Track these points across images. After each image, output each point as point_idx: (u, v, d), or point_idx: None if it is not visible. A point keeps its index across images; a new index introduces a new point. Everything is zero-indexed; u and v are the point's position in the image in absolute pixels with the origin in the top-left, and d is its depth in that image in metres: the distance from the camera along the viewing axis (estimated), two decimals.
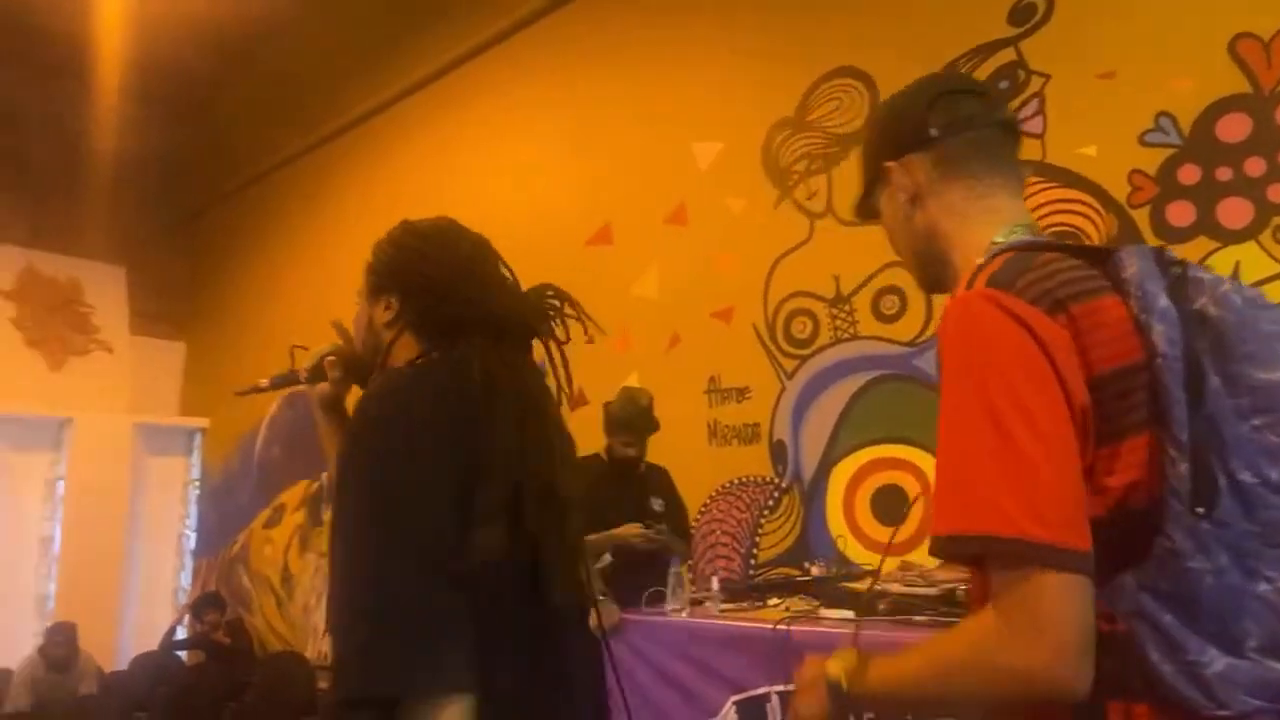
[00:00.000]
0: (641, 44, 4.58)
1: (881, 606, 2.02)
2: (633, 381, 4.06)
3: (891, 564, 3.04)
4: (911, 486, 3.34)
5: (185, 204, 8.23)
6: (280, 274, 7.07)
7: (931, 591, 2.06)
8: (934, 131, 1.01)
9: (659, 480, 3.34)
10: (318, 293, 6.58)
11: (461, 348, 1.21)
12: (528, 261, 5.03)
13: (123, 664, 6.42)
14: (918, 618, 1.92)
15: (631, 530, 2.99)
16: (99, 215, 7.65)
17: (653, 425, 3.29)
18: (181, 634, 6.40)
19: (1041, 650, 0.76)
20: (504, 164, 5.26)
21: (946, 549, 0.83)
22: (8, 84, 7.23)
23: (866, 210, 1.11)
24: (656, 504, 3.20)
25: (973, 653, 0.82)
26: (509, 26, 5.20)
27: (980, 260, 0.92)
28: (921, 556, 3.17)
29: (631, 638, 2.38)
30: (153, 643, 6.50)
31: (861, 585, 2.16)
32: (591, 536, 2.91)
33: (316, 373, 1.43)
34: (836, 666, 0.91)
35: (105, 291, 7.67)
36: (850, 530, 3.51)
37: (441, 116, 5.71)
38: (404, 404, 1.14)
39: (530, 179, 5.06)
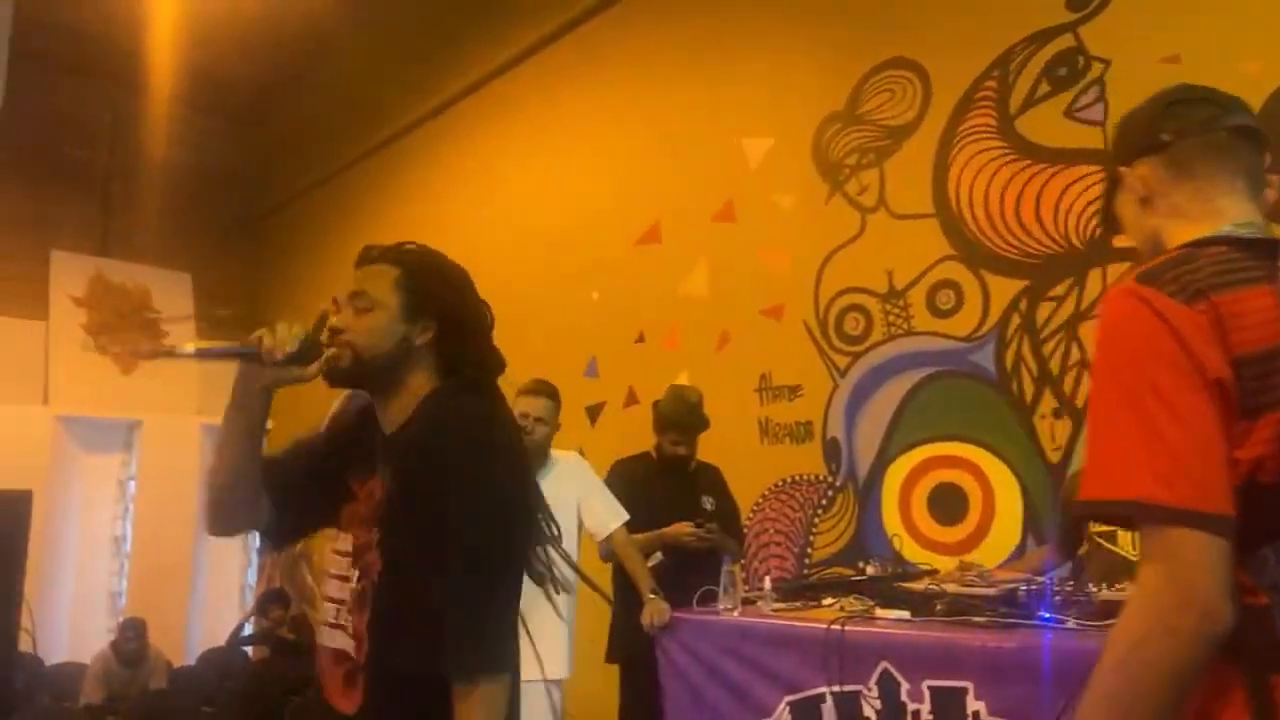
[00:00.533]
0: (690, 42, 4.56)
1: (939, 607, 1.98)
2: (683, 380, 4.05)
3: (945, 564, 2.99)
4: (970, 485, 3.27)
5: (247, 211, 8.46)
6: (338, 277, 7.17)
7: (990, 592, 2.01)
8: (1165, 136, 1.06)
9: (710, 478, 3.32)
10: None
11: (489, 385, 1.44)
12: (577, 262, 5.10)
13: (191, 659, 6.60)
14: (975, 619, 1.88)
15: (683, 529, 2.98)
16: (165, 224, 7.91)
17: (702, 423, 3.27)
18: (249, 630, 6.56)
19: (1177, 598, 0.85)
20: (554, 165, 5.29)
21: (1092, 512, 0.96)
22: (78, 98, 7.52)
23: (1111, 221, 1.17)
24: (708, 502, 3.18)
25: (1126, 633, 0.88)
26: (557, 29, 5.23)
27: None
28: (980, 556, 3.11)
29: (683, 636, 2.37)
30: (220, 639, 6.68)
31: (918, 585, 2.12)
32: (640, 536, 2.90)
33: (310, 352, 1.41)
34: None
35: (172, 297, 7.89)
36: (906, 529, 3.45)
37: (492, 120, 5.77)
38: (510, 434, 1.42)
39: (579, 180, 5.08)
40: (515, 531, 1.35)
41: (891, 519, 3.50)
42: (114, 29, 6.63)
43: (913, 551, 3.37)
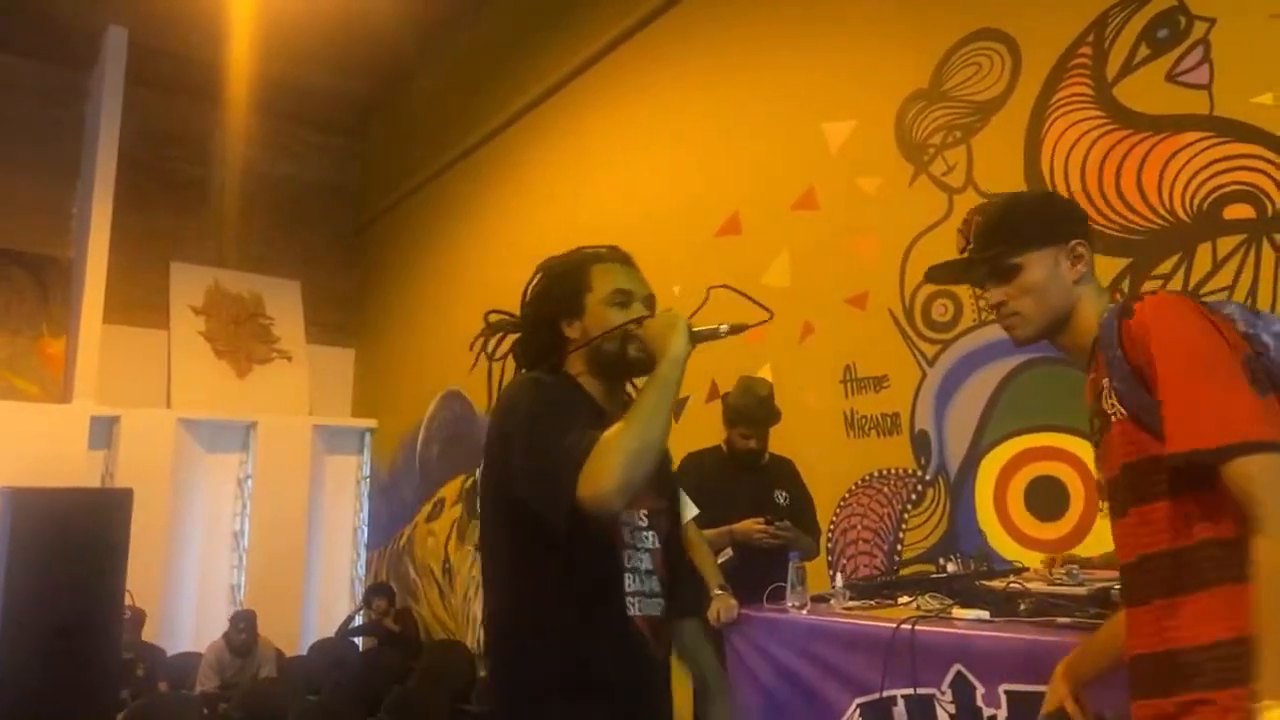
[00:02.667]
0: (763, 30, 4.46)
1: (1022, 607, 1.85)
2: (765, 373, 3.96)
3: (1035, 560, 2.81)
4: (1071, 478, 3.08)
5: (350, 221, 8.80)
6: (437, 281, 7.40)
7: (1080, 591, 1.87)
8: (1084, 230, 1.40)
9: (784, 472, 3.23)
10: (475, 297, 6.85)
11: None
12: (659, 256, 5.07)
13: (304, 649, 6.90)
14: (1060, 619, 1.75)
15: (753, 526, 2.90)
16: (275, 234, 8.30)
17: (773, 416, 3.18)
18: (359, 622, 6.82)
19: None
20: (631, 162, 5.27)
21: (1198, 459, 1.14)
22: (190, 119, 7.96)
23: (1001, 267, 1.38)
24: (781, 497, 3.09)
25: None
26: (635, 23, 5.22)
27: (1099, 320, 1.33)
28: (1084, 554, 2.92)
29: (753, 634, 2.30)
30: (332, 629, 6.97)
31: (1000, 583, 2.00)
32: (710, 531, 2.85)
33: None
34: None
35: (284, 304, 8.28)
36: (1002, 524, 3.28)
37: (571, 120, 5.82)
38: (545, 392, 1.61)
39: (657, 175, 5.05)
40: None
41: (986, 515, 3.33)
42: (222, 53, 6.99)
43: (1010, 550, 3.19)
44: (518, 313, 1.71)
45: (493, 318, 1.72)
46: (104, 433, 6.89)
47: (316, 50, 7.08)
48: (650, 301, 1.62)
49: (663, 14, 5.04)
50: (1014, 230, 1.38)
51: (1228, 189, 2.70)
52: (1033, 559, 3.03)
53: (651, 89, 5.17)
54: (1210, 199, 2.74)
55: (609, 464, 1.32)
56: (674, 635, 1.69)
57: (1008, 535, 3.25)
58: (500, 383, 1.70)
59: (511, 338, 1.71)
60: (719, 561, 2.76)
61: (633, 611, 1.49)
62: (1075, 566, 2.07)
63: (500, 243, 6.52)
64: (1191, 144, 2.79)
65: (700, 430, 4.05)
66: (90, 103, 7.32)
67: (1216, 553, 1.14)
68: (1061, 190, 3.16)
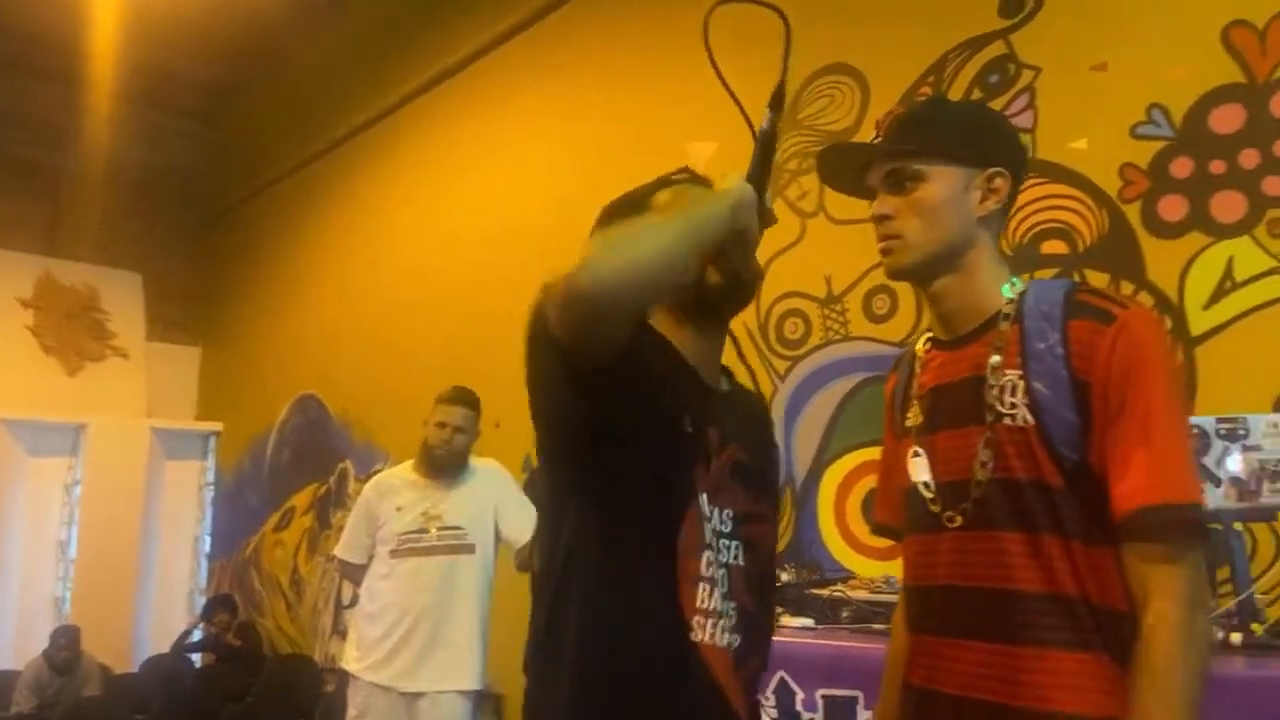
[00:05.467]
0: (636, 44, 4.55)
1: (845, 614, 1.96)
2: None
3: (878, 570, 2.98)
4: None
5: (200, 211, 8.35)
6: (292, 279, 7.13)
7: (896, 599, 1.99)
8: (1022, 175, 1.19)
9: None
10: (329, 298, 6.63)
11: None
12: (527, 266, 5.06)
13: (137, 666, 6.48)
14: (878, 625, 1.86)
15: None
16: (116, 223, 7.79)
17: None
18: (197, 637, 6.46)
19: (1205, 593, 1.07)
20: (504, 168, 5.25)
21: (1185, 515, 1.01)
22: (27, 96, 7.38)
23: (900, 170, 1.16)
24: None
25: (1187, 630, 1.00)
26: (508, 30, 5.21)
27: (1017, 286, 1.14)
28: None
29: None
30: (168, 645, 6.57)
31: (826, 591, 2.11)
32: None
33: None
34: None
35: (122, 298, 7.77)
36: (841, 534, 3.45)
37: (445, 121, 5.73)
38: None
39: (530, 183, 5.05)
40: None
41: (827, 524, 3.49)
42: (66, 29, 6.52)
43: (847, 557, 3.36)
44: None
45: None
46: None
47: (173, 31, 6.70)
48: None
49: (539, 21, 5.04)
50: (931, 133, 1.16)
51: (1046, 226, 2.94)
52: (868, 566, 3.20)
53: (524, 96, 5.17)
54: (1030, 234, 2.97)
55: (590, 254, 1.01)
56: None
57: (846, 544, 3.41)
58: None
59: None
60: None
61: (700, 637, 1.09)
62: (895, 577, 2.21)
63: (362, 244, 6.36)
64: None
65: None
66: None
67: (1086, 613, 1.03)
68: None
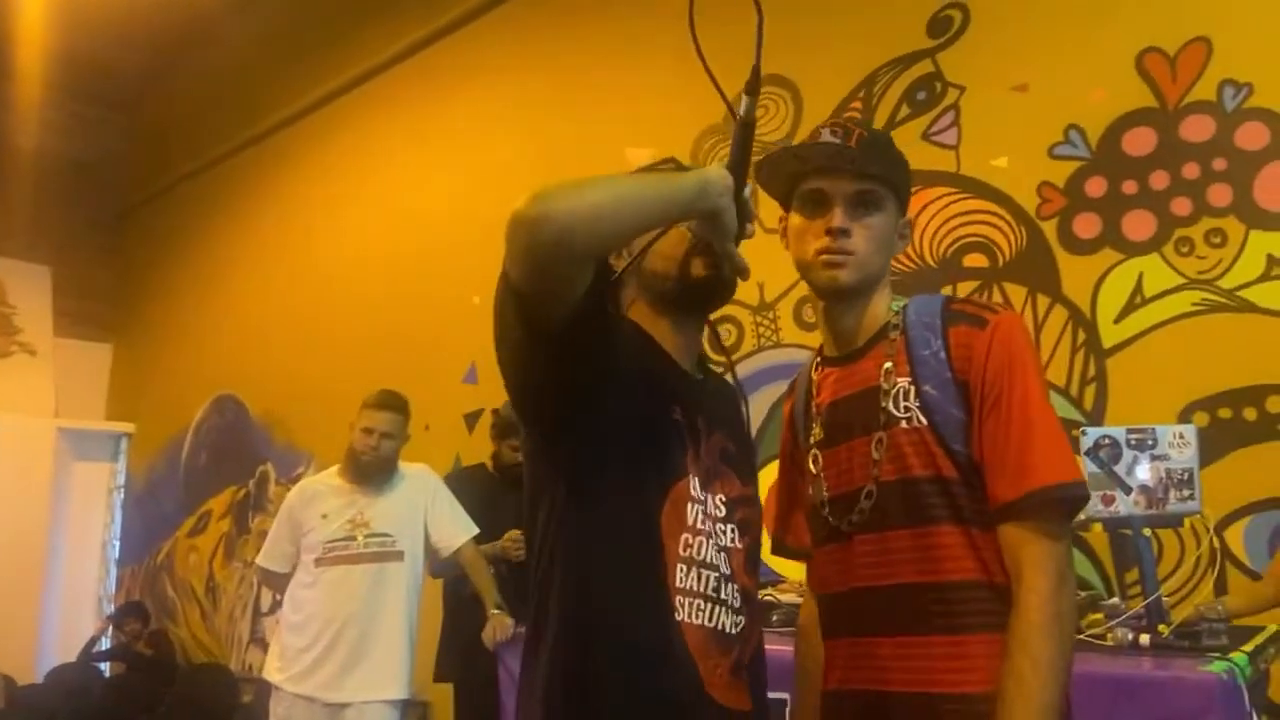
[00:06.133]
0: (574, 49, 4.54)
1: (774, 618, 1.99)
2: None
3: (801, 573, 3.02)
4: None
5: (113, 203, 8.02)
6: (209, 276, 6.90)
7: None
8: None
9: None
10: (250, 295, 6.44)
11: None
12: (460, 265, 4.99)
13: (41, 677, 6.19)
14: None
15: (512, 536, 2.92)
16: (23, 214, 7.41)
17: None
18: (106, 645, 6.20)
19: (1070, 569, 1.10)
20: (435, 168, 5.18)
21: (1066, 493, 1.08)
22: None
23: (871, 193, 1.21)
24: None
25: (1053, 604, 1.05)
26: (444, 26, 5.14)
27: (899, 303, 1.24)
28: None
29: (512, 654, 2.31)
30: (74, 654, 6.28)
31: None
32: (484, 547, 2.84)
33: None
34: None
35: (29, 292, 7.42)
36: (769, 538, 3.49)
37: (374, 115, 5.62)
38: None
39: (460, 183, 4.99)
40: None
41: None
42: None
43: (774, 560, 3.40)
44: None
45: None
46: None
47: (85, 14, 6.41)
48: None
49: (477, 18, 4.99)
50: (893, 168, 1.23)
51: (967, 240, 3.04)
52: (796, 570, 3.25)
53: (457, 94, 5.11)
54: (953, 248, 3.07)
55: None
56: None
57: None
58: None
59: None
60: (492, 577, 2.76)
61: (682, 615, 1.09)
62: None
63: (285, 240, 6.19)
64: (940, 198, 3.11)
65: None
66: None
67: (990, 594, 1.09)
68: None
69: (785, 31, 3.68)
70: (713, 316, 1.32)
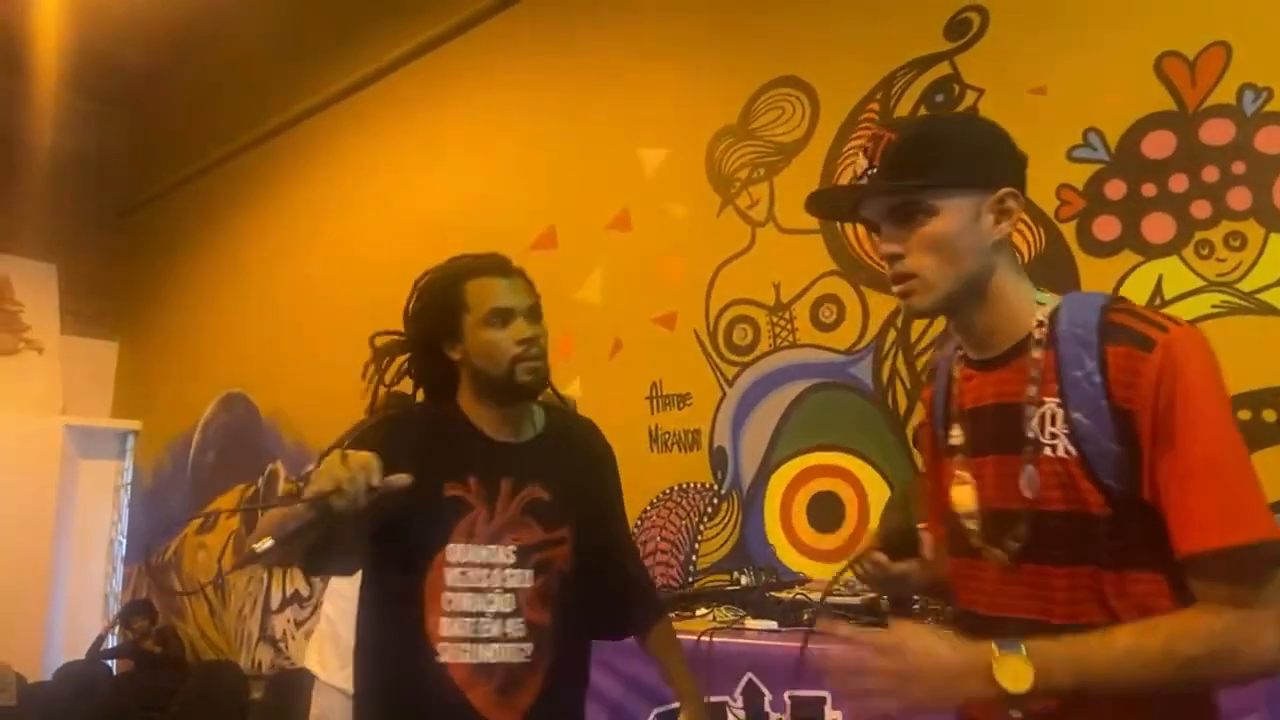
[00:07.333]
0: (588, 50, 4.56)
1: (805, 616, 2.01)
2: (575, 388, 4.04)
3: (827, 571, 3.06)
4: (846, 493, 3.36)
5: (120, 201, 8.02)
6: (217, 274, 6.91)
7: (854, 601, 2.06)
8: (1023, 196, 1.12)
9: None
10: (259, 293, 6.45)
11: None
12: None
13: (49, 674, 6.20)
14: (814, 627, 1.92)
15: None
16: (30, 211, 7.41)
17: None
18: (113, 642, 6.21)
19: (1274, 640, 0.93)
20: (447, 165, 5.20)
21: (1256, 556, 0.93)
22: None
23: (910, 206, 1.08)
24: None
25: (1217, 646, 0.92)
26: (454, 27, 5.15)
27: (1046, 304, 1.09)
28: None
29: None
30: (82, 652, 6.30)
31: (787, 594, 2.16)
32: None
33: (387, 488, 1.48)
34: (1012, 678, 0.91)
35: (36, 289, 7.43)
36: (787, 537, 3.52)
37: (385, 116, 5.63)
38: None
39: (471, 182, 5.01)
40: None
41: (773, 527, 3.56)
42: None
43: (792, 559, 3.43)
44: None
45: (379, 340, 1.63)
46: None
47: (94, 9, 6.41)
48: (534, 311, 1.54)
49: (487, 19, 5.00)
50: (935, 161, 1.07)
51: None
52: (814, 568, 3.28)
53: (471, 93, 5.13)
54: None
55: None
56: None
57: (791, 546, 3.49)
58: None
59: (401, 359, 1.62)
60: None
61: (445, 658, 1.39)
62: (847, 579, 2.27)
63: (293, 239, 6.20)
64: None
65: None
66: None
67: None
68: (848, 233, 3.45)
69: (801, 32, 3.71)
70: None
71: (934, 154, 1.07)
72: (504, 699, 1.40)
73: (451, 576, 1.42)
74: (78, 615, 7.08)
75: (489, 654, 1.40)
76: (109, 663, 6.28)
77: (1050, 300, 1.09)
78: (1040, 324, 1.06)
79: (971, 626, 1.10)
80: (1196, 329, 1.00)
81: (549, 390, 1.58)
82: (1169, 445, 0.95)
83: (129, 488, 7.55)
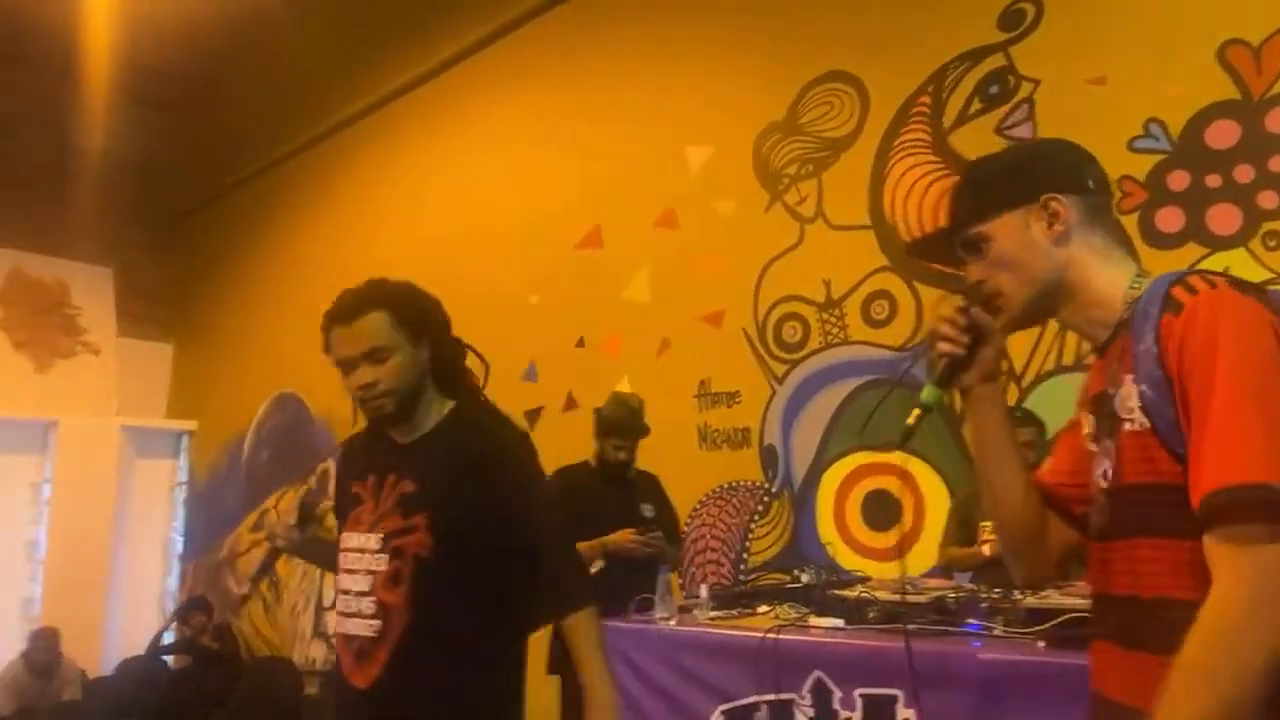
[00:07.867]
0: (633, 48, 4.57)
1: (871, 614, 2.01)
2: (624, 386, 4.04)
3: (882, 570, 3.03)
4: (901, 492, 3.33)
5: (174, 205, 8.18)
6: (269, 276, 7.04)
7: (921, 599, 2.04)
8: (1090, 183, 1.17)
9: (649, 486, 3.32)
10: (310, 294, 6.55)
11: (486, 399, 1.78)
12: (518, 264, 5.04)
13: (108, 669, 6.36)
14: (908, 626, 1.90)
15: (625, 536, 2.98)
16: (87, 216, 7.59)
17: (643, 429, 3.28)
18: (169, 639, 6.35)
19: None
20: (494, 165, 5.24)
21: (1258, 495, 0.91)
22: None
23: (969, 241, 1.19)
24: (647, 510, 3.18)
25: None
26: (500, 28, 5.19)
27: (1138, 287, 1.10)
28: (911, 562, 3.16)
29: (620, 645, 2.35)
30: (139, 648, 6.44)
31: (851, 592, 2.15)
32: (584, 544, 2.88)
33: (306, 510, 1.99)
34: None
35: (93, 293, 7.61)
36: (840, 536, 3.50)
37: (433, 118, 5.69)
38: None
39: (520, 181, 5.04)
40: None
41: (826, 525, 3.54)
42: (38, 16, 6.36)
43: (847, 557, 3.41)
44: None
45: None
46: None
47: (152, 20, 6.55)
48: (376, 354, 1.61)
49: (533, 19, 5.02)
50: (978, 195, 1.20)
51: None
52: (868, 566, 3.25)
53: (517, 95, 5.15)
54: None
55: None
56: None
57: (845, 545, 3.47)
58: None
59: None
60: (591, 572, 2.80)
61: (335, 630, 1.66)
62: (914, 577, 2.26)
63: (346, 239, 6.29)
64: None
65: (556, 440, 4.07)
66: None
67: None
68: (900, 228, 3.42)
69: (849, 25, 3.68)
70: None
71: (976, 186, 1.22)
72: (359, 666, 1.60)
73: (344, 559, 1.66)
74: (135, 612, 7.25)
75: (351, 626, 1.61)
76: (166, 658, 6.42)
77: (1144, 282, 1.11)
78: (1128, 307, 1.10)
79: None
80: (1232, 290, 0.99)
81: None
82: (1190, 406, 0.98)
83: (184, 486, 7.72)
